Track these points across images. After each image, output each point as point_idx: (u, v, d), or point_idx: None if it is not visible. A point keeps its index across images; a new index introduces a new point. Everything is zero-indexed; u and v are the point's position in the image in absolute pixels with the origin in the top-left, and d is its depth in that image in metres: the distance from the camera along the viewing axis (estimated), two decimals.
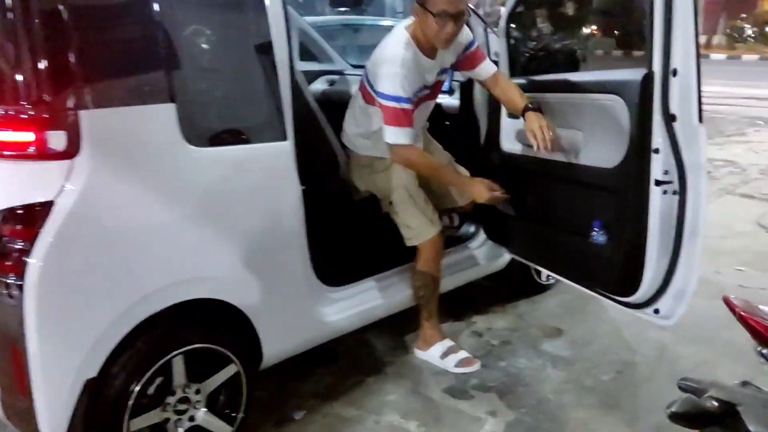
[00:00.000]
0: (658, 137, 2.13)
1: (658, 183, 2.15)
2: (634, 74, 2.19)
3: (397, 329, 3.13)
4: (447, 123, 3.27)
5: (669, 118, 2.10)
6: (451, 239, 3.11)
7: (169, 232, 2.02)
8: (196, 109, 2.10)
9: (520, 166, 2.82)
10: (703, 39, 27.01)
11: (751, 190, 5.61)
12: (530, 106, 2.52)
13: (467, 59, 2.73)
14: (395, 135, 2.52)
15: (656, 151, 2.14)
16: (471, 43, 2.71)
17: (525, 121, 2.52)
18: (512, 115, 2.84)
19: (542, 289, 3.57)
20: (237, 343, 2.25)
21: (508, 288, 3.54)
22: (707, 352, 2.97)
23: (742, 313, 1.41)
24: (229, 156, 2.17)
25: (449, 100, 3.34)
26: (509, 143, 2.86)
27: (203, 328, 2.19)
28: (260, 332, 2.29)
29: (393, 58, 2.50)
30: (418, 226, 2.76)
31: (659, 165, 2.14)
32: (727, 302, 1.48)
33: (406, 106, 2.50)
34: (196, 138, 2.05)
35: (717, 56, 21.69)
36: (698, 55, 2.08)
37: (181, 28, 2.05)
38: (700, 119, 2.10)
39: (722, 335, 3.08)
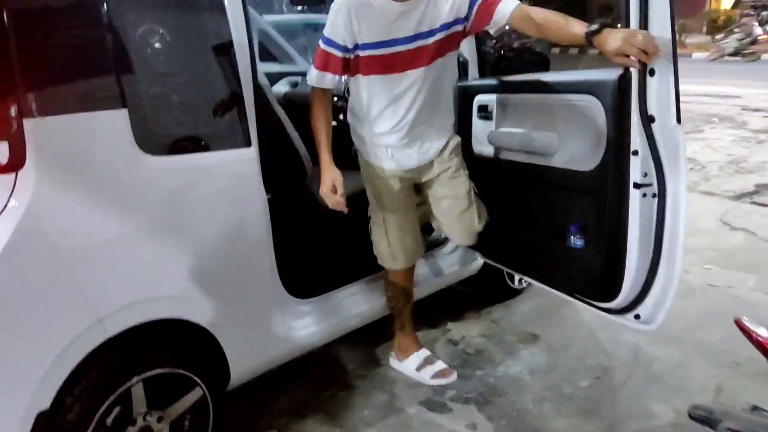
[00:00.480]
0: (637, 139, 2.06)
1: (636, 186, 2.08)
2: (610, 74, 2.13)
3: (369, 340, 3.02)
4: None
5: (647, 120, 2.04)
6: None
7: (124, 248, 1.87)
8: (151, 115, 1.95)
9: (493, 169, 2.74)
10: None
11: (712, 187, 5.66)
12: (593, 29, 1.99)
13: (480, 12, 2.27)
14: (308, 73, 2.39)
15: (635, 153, 2.07)
16: None
17: (602, 49, 1.98)
18: (484, 116, 2.75)
19: (515, 293, 3.50)
20: (202, 365, 2.12)
21: (482, 293, 3.46)
22: (680, 354, 2.94)
23: (760, 338, 1.32)
24: (189, 164, 2.02)
25: None
26: (480, 146, 2.78)
27: (165, 350, 2.03)
28: (227, 351, 2.16)
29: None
30: (383, 255, 2.63)
31: (638, 167, 2.07)
32: (740, 325, 1.39)
33: (324, 46, 2.29)
34: (152, 146, 1.90)
35: None
36: (675, 54, 2.03)
37: (133, 29, 1.90)
38: (678, 120, 2.04)
39: (694, 335, 3.07)
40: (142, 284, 1.92)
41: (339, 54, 2.27)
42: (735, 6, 29.19)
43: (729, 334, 3.05)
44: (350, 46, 2.26)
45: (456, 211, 2.59)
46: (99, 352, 1.82)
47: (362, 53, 2.28)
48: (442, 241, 3.11)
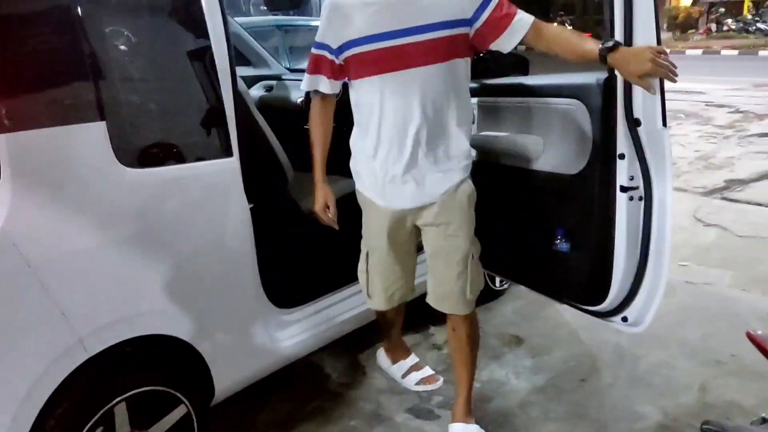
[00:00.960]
0: (623, 142, 2.06)
1: (623, 189, 2.09)
2: (595, 77, 2.12)
3: (352, 346, 2.99)
4: None
5: (633, 123, 2.03)
6: None
7: (104, 265, 1.80)
8: (130, 127, 1.88)
9: (475, 173, 2.71)
10: None
11: (684, 183, 5.74)
12: (608, 46, 1.87)
13: (492, 21, 2.02)
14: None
15: (621, 156, 2.07)
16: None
17: (622, 70, 1.89)
18: None
19: (496, 295, 3.49)
20: (186, 381, 2.06)
21: None
22: (663, 352, 2.96)
23: None
24: (169, 176, 1.96)
25: None
26: None
27: (147, 367, 1.97)
28: (211, 366, 2.11)
29: None
30: (362, 287, 2.44)
31: (624, 171, 2.07)
32: (752, 339, 1.37)
33: (313, 50, 2.17)
34: (132, 158, 1.84)
35: None
36: None
37: (110, 39, 1.83)
38: (664, 123, 2.04)
39: (675, 334, 3.10)
40: (123, 300, 1.86)
41: (327, 55, 2.14)
42: (694, 3, 29.85)
43: (709, 332, 3.10)
44: (335, 47, 2.10)
45: (445, 275, 2.26)
46: (80, 372, 1.75)
47: (348, 53, 2.08)
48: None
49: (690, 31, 26.80)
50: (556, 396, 2.67)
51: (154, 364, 2.00)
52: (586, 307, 2.34)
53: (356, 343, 2.97)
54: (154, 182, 1.91)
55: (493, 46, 2.08)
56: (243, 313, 2.25)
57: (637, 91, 2.00)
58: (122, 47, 1.87)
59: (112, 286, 1.83)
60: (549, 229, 2.36)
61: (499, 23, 2.02)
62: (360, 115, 2.16)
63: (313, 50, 2.18)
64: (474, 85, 2.74)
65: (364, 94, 2.10)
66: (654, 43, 1.95)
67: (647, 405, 2.57)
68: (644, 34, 1.95)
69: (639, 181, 2.08)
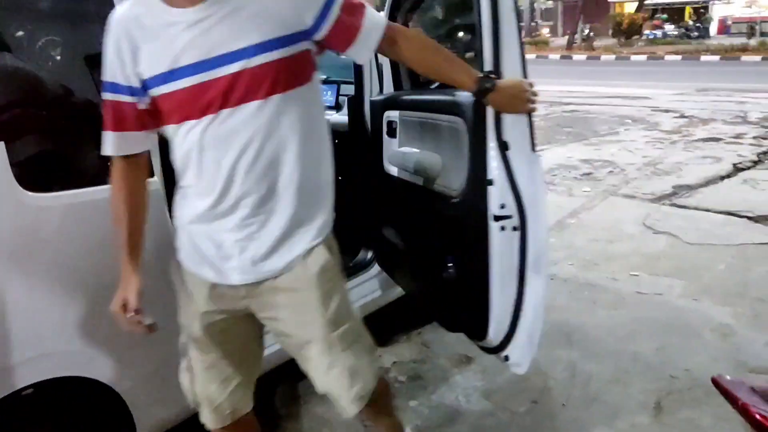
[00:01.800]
0: (492, 167, 1.90)
1: (496, 218, 1.92)
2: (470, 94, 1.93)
3: (289, 375, 2.80)
4: (336, 141, 2.99)
5: (502, 146, 1.89)
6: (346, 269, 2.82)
7: (2, 302, 1.61)
8: (34, 147, 1.70)
9: (395, 190, 2.58)
10: (564, 41, 28.79)
11: (632, 190, 5.75)
12: (487, 86, 1.75)
13: (339, 28, 1.54)
14: (103, 141, 1.59)
15: (490, 182, 1.91)
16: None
17: (503, 110, 1.86)
18: (391, 134, 2.59)
19: None
20: (103, 427, 1.87)
21: (411, 314, 3.30)
22: (616, 369, 2.88)
23: (750, 407, 1.14)
24: (80, 200, 1.77)
25: (337, 117, 3.07)
26: (388, 164, 2.62)
27: (58, 413, 1.78)
28: (132, 408, 1.92)
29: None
30: (186, 394, 1.82)
31: (496, 198, 1.91)
32: (717, 386, 1.24)
33: (108, 95, 1.55)
34: (36, 182, 1.66)
35: (578, 57, 23.12)
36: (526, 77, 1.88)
37: (10, 47, 1.65)
38: (533, 148, 1.92)
39: (627, 348, 3.04)
40: (27, 341, 1.67)
41: (129, 99, 1.54)
42: (638, 10, 30.70)
43: (662, 345, 3.04)
44: (137, 85, 1.52)
45: (317, 374, 1.74)
46: None
47: (153, 92, 1.52)
48: (367, 264, 2.91)
49: (634, 37, 27.51)
50: (508, 420, 2.56)
51: (65, 410, 1.81)
52: (474, 341, 2.22)
53: (294, 371, 2.79)
54: (61, 207, 1.73)
55: (345, 57, 1.70)
56: (167, 345, 2.06)
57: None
58: (24, 57, 1.68)
59: (12, 325, 1.64)
60: (441, 255, 2.21)
61: (347, 31, 1.57)
62: (177, 168, 1.63)
63: (109, 95, 1.55)
64: (397, 96, 2.64)
65: (178, 143, 1.56)
66: (520, 74, 1.86)
67: (602, 427, 2.47)
68: (511, 66, 1.86)
69: (512, 210, 1.93)
